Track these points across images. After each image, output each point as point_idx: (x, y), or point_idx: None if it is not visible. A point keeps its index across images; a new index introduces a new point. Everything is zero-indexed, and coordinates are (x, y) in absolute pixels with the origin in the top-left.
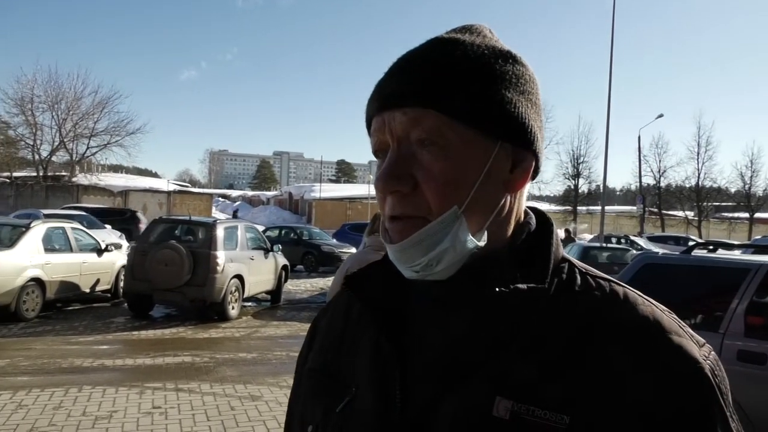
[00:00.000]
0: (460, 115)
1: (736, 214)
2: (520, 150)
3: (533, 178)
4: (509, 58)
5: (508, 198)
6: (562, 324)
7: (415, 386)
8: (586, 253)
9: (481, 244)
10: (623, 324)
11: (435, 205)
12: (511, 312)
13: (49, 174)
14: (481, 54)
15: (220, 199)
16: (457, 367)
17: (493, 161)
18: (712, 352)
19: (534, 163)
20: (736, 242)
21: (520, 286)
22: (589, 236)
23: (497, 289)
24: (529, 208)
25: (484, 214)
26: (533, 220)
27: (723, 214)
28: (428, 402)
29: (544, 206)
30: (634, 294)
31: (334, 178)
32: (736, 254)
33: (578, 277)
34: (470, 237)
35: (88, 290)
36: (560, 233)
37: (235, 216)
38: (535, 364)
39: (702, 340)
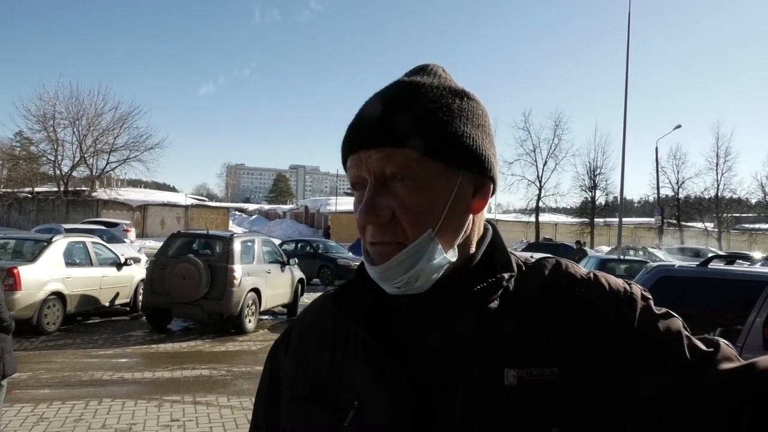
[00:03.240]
0: (427, 151)
1: (756, 225)
2: (480, 176)
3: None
4: (464, 96)
5: (472, 218)
6: (528, 299)
7: (422, 380)
8: (603, 266)
9: (453, 260)
10: (565, 283)
11: (410, 232)
12: (493, 300)
13: (70, 189)
14: (440, 95)
15: (237, 212)
16: (463, 355)
17: (458, 188)
18: (633, 283)
19: (492, 186)
20: (757, 254)
21: (504, 275)
22: (607, 248)
23: (490, 280)
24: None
25: (454, 234)
26: (490, 231)
27: (743, 225)
28: (443, 391)
29: (560, 218)
30: (565, 261)
31: (349, 191)
32: (755, 266)
33: (522, 264)
34: (443, 255)
35: (107, 304)
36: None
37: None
38: (523, 335)
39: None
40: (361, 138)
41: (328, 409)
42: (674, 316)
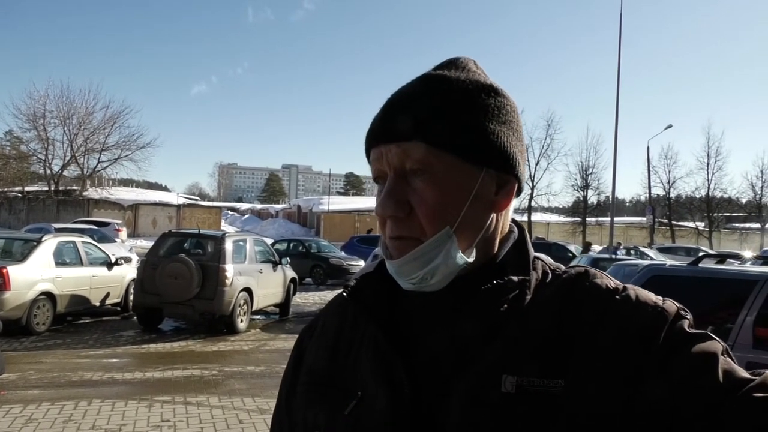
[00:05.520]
0: (447, 146)
1: (747, 225)
2: (503, 174)
3: (517, 195)
4: (491, 91)
5: (495, 216)
6: (543, 306)
7: (423, 378)
8: (595, 265)
9: (470, 260)
10: (588, 294)
11: (427, 228)
12: (502, 303)
13: (61, 188)
14: (464, 89)
15: (229, 212)
16: (463, 356)
17: (480, 186)
18: (668, 298)
19: (517, 185)
20: (747, 253)
21: (513, 277)
22: (598, 247)
23: (494, 282)
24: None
25: (473, 232)
26: (516, 231)
27: (734, 224)
28: (440, 390)
29: (553, 218)
30: (593, 271)
31: (342, 190)
32: (746, 265)
33: (548, 271)
34: (460, 254)
35: (98, 304)
36: (574, 247)
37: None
38: (528, 343)
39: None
40: (381, 132)
41: (335, 397)
42: (713, 339)
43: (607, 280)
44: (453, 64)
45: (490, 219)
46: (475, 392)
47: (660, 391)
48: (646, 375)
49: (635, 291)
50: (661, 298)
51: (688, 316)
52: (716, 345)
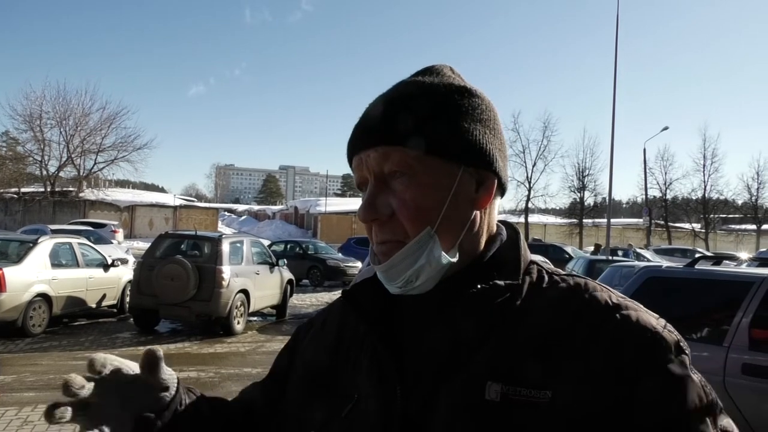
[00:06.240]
0: (423, 148)
1: (743, 226)
2: (482, 171)
3: (502, 193)
4: (464, 92)
5: (478, 215)
6: (535, 314)
7: (414, 383)
8: (591, 266)
9: (454, 260)
10: (586, 307)
11: (409, 229)
12: (490, 308)
13: (57, 189)
14: (438, 92)
15: (226, 213)
16: (450, 361)
17: (458, 184)
18: (668, 324)
19: (497, 181)
20: (743, 255)
21: (499, 282)
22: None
23: (479, 286)
24: (500, 221)
25: (456, 231)
26: (504, 232)
27: (730, 226)
28: (427, 395)
29: (549, 219)
30: (594, 283)
31: (339, 192)
32: (742, 267)
33: (545, 276)
34: (443, 254)
35: (94, 305)
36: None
37: None
38: (517, 351)
39: (657, 315)
40: (360, 139)
41: (332, 398)
42: (701, 392)
43: (607, 294)
44: (428, 70)
45: (472, 217)
46: (458, 399)
47: (643, 421)
48: (633, 405)
49: (637, 312)
50: (662, 323)
51: (686, 351)
52: (701, 399)
